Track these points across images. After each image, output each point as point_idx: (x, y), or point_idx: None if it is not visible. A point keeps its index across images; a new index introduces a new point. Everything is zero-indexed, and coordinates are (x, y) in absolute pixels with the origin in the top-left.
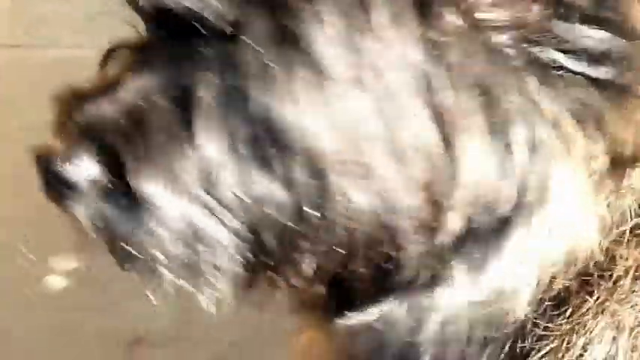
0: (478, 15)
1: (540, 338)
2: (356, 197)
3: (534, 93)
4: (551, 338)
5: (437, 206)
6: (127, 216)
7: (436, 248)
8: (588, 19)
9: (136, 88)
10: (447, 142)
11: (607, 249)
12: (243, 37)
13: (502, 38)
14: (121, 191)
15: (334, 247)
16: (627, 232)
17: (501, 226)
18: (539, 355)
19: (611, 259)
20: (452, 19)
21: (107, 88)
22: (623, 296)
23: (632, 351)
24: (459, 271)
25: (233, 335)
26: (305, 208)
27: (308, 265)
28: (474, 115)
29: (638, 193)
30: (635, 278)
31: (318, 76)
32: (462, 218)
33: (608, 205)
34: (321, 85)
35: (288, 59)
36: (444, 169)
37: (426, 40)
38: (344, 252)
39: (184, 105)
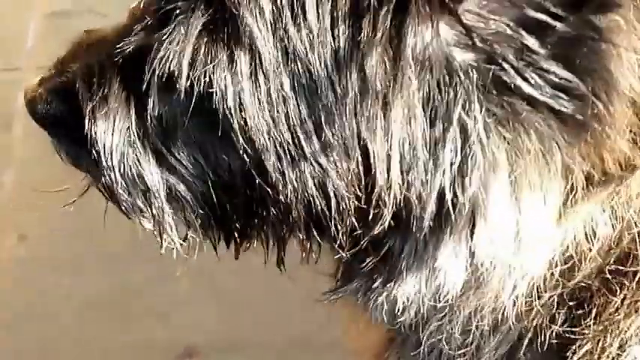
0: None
1: (573, 341)
2: (289, 176)
3: (485, 113)
4: (585, 340)
5: (367, 196)
6: (83, 151)
7: (375, 237)
8: (558, 57)
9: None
10: (373, 140)
11: (625, 249)
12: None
13: (468, 57)
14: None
15: (280, 218)
16: None
17: (436, 228)
18: (576, 357)
19: (634, 258)
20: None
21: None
22: None
23: None
24: (403, 264)
25: (285, 342)
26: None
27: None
28: (409, 119)
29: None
30: None
31: (253, 59)
32: (391, 212)
33: (612, 213)
34: (255, 68)
35: (230, 43)
36: (373, 164)
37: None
38: (289, 221)
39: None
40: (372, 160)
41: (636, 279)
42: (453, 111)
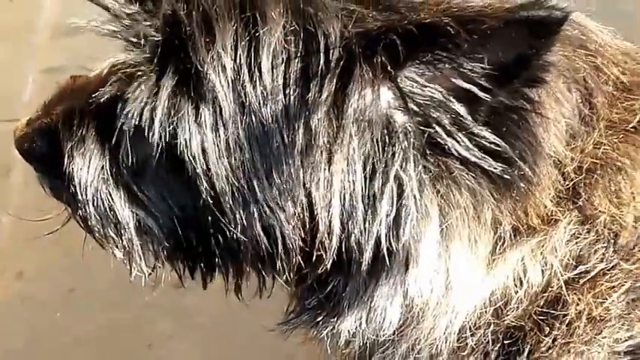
0: (404, 86)
1: None
2: (240, 216)
3: (420, 170)
4: None
5: (311, 239)
6: (63, 185)
7: (320, 276)
8: (488, 123)
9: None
10: (316, 190)
11: (554, 294)
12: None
13: (407, 119)
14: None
15: (235, 253)
16: (578, 278)
17: (373, 271)
18: None
19: (563, 302)
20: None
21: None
22: (588, 338)
23: None
24: (345, 302)
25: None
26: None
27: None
28: (349, 173)
29: (565, 249)
30: (589, 320)
31: (215, 112)
32: (332, 255)
33: (541, 261)
34: (217, 120)
35: (195, 97)
36: (316, 211)
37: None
38: (242, 256)
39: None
40: (315, 208)
41: (566, 321)
42: (391, 168)
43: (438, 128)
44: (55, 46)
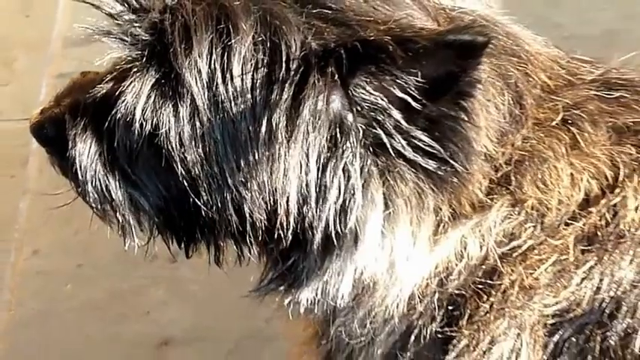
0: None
1: (451, 339)
2: (215, 199)
3: (368, 164)
4: (462, 337)
5: (274, 220)
6: (68, 166)
7: (283, 251)
8: (425, 128)
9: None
10: (276, 178)
11: (491, 267)
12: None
13: (356, 120)
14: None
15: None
16: (511, 252)
17: (325, 250)
18: (457, 351)
19: (499, 273)
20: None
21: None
22: (520, 304)
23: (533, 344)
24: (303, 275)
25: (240, 334)
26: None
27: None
28: (304, 165)
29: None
30: (521, 288)
31: (192, 108)
32: (290, 234)
33: (479, 238)
34: (193, 116)
35: (175, 95)
36: (277, 197)
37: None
38: (217, 231)
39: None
40: (275, 193)
41: (501, 289)
42: (340, 162)
43: (380, 130)
44: (67, 55)
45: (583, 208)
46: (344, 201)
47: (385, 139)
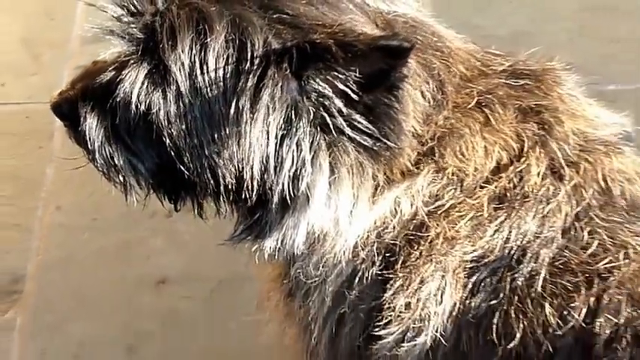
0: (306, 82)
1: (389, 280)
2: (195, 165)
3: (317, 139)
4: (397, 278)
5: (242, 183)
6: (80, 138)
7: (250, 208)
8: (363, 113)
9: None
10: (242, 150)
11: (420, 221)
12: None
13: (308, 104)
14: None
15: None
16: (436, 210)
17: (283, 208)
18: (393, 289)
19: (427, 227)
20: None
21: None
22: (444, 251)
23: (455, 284)
24: (266, 228)
25: (223, 275)
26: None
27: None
28: (264, 140)
29: (426, 190)
30: (445, 239)
31: (177, 93)
32: (254, 195)
33: (410, 198)
34: (178, 99)
35: (163, 83)
36: (243, 165)
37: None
38: (197, 191)
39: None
40: (242, 162)
41: (429, 240)
42: (294, 137)
43: (326, 114)
44: (83, 51)
45: (495, 173)
46: (297, 169)
47: (329, 121)
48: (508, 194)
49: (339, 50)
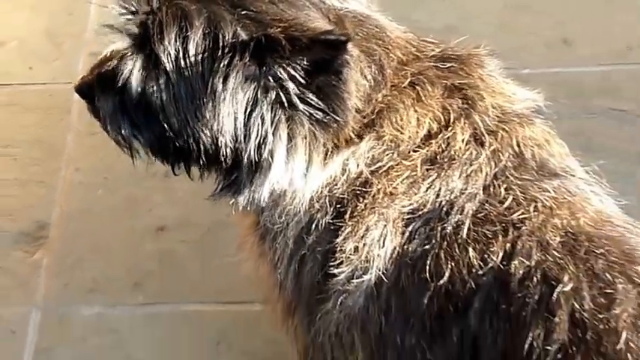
0: (270, 70)
1: (341, 227)
2: (184, 136)
3: (278, 114)
4: (347, 226)
5: (217, 150)
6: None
7: (227, 170)
8: (315, 92)
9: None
10: (217, 123)
11: (365, 179)
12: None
13: (269, 86)
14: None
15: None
16: (378, 170)
17: (251, 171)
18: (343, 235)
19: (370, 184)
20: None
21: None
22: (386, 204)
23: (395, 232)
24: (240, 186)
25: (211, 222)
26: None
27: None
28: (234, 115)
29: (368, 153)
30: (385, 194)
31: (167, 78)
32: (229, 160)
33: (356, 160)
34: (167, 82)
35: (156, 70)
36: (218, 135)
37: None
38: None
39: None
40: (218, 132)
41: (372, 195)
42: (259, 112)
43: (283, 93)
44: (97, 41)
45: (426, 140)
46: (261, 138)
47: (286, 99)
48: (438, 157)
49: (288, 43)
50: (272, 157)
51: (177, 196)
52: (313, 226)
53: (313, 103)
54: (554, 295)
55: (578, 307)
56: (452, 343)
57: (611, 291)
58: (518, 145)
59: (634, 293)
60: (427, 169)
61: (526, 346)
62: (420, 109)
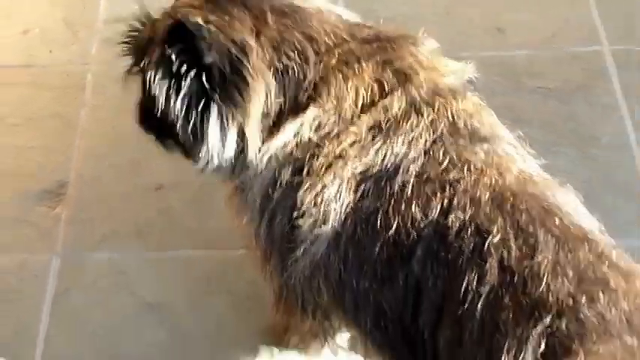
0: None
1: (300, 183)
2: (178, 125)
3: (208, 98)
4: (307, 182)
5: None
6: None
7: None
8: (207, 75)
9: None
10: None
11: (316, 143)
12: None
13: (188, 73)
14: None
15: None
16: (327, 135)
17: (198, 139)
18: (303, 191)
19: (320, 147)
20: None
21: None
22: (339, 165)
23: (349, 190)
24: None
25: (201, 183)
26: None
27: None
28: (181, 103)
29: (315, 121)
30: (337, 156)
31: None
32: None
33: (303, 127)
34: (167, 88)
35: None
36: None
37: None
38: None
39: None
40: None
41: (325, 156)
42: (187, 94)
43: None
44: (107, 29)
45: (367, 108)
46: (196, 116)
47: (196, 86)
48: (382, 125)
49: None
50: (205, 132)
51: (173, 160)
52: (277, 183)
53: (211, 84)
54: (486, 245)
55: (505, 255)
56: (398, 287)
57: (534, 241)
58: (453, 116)
59: (552, 242)
60: (374, 136)
61: (462, 289)
62: (357, 82)
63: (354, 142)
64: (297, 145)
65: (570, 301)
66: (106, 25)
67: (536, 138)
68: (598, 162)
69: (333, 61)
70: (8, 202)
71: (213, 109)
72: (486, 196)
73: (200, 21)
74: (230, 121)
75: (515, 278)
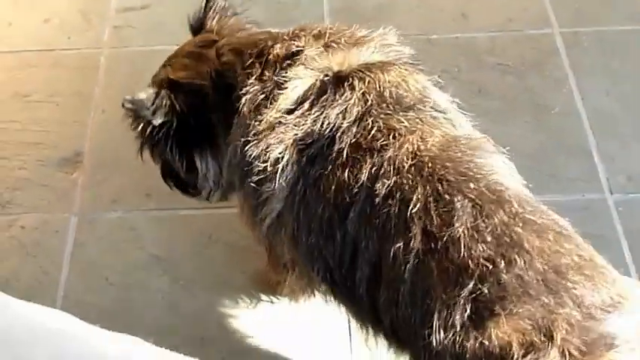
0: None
1: (249, 143)
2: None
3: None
4: (252, 142)
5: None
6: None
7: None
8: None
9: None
10: None
11: (257, 107)
12: None
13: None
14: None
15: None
16: (263, 105)
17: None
18: (251, 147)
19: (262, 112)
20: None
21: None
22: (282, 131)
23: (293, 153)
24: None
25: None
26: None
27: None
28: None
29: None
30: (280, 124)
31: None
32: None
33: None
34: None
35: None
36: None
37: None
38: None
39: None
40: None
41: (265, 120)
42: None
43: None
44: (118, 17)
45: (305, 91)
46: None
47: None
48: (321, 96)
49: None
50: (199, 164)
51: None
52: (238, 150)
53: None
54: (408, 212)
55: (427, 223)
56: (337, 243)
57: (451, 208)
58: (380, 88)
59: (469, 207)
60: (311, 106)
61: (391, 254)
62: (301, 70)
63: (292, 110)
64: (245, 110)
65: (490, 266)
66: (117, 13)
67: (497, 108)
68: (551, 128)
69: (251, 60)
70: (32, 169)
71: (193, 151)
72: (408, 163)
73: (150, 92)
74: (205, 153)
75: (439, 245)
